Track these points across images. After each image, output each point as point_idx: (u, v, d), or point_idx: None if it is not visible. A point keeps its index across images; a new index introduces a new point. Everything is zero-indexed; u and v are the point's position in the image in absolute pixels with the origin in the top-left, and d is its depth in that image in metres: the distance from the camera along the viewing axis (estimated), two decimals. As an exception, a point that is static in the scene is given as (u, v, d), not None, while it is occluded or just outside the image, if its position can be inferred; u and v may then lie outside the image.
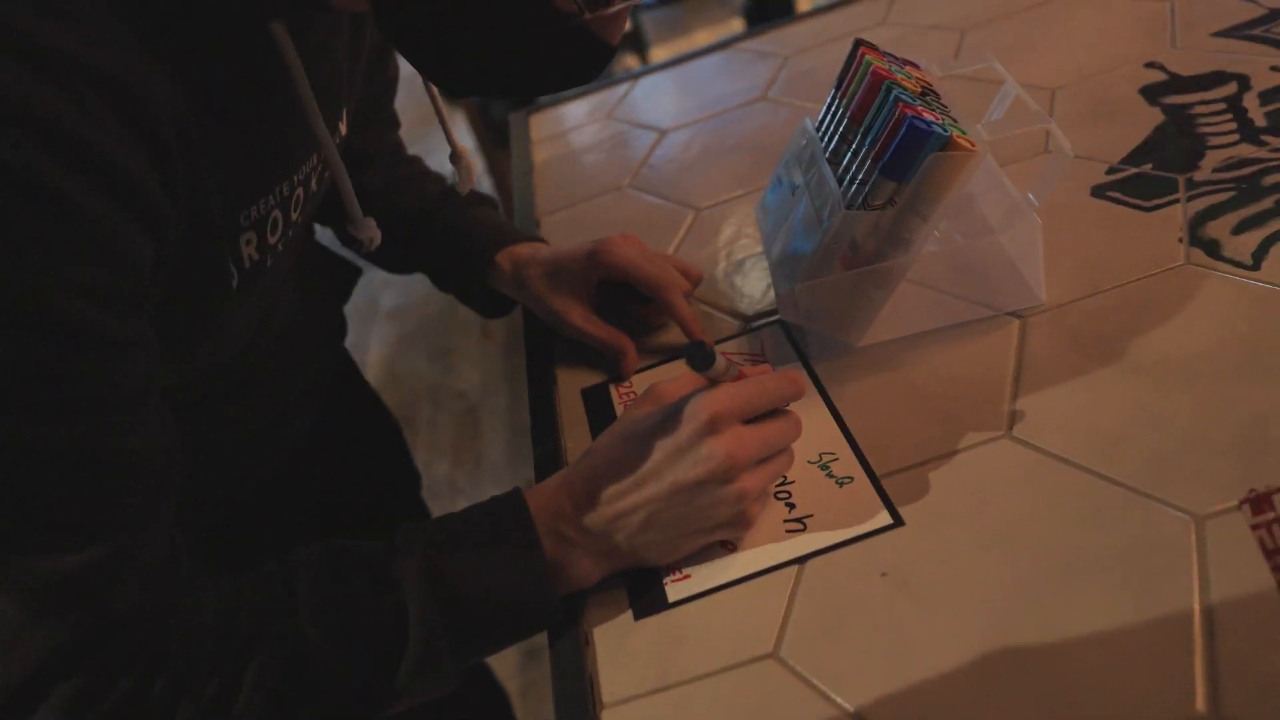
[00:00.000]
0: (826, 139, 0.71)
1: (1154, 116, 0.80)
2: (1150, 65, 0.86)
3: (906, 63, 0.72)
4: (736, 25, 3.48)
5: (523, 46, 0.49)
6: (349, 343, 0.92)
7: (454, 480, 2.21)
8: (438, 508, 2.17)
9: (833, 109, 0.72)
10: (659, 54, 3.49)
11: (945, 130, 0.60)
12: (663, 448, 0.53)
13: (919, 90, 0.66)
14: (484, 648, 0.53)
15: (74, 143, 0.40)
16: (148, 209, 0.43)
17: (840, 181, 0.66)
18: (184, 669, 0.48)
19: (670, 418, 0.54)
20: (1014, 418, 0.59)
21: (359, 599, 0.51)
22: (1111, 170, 0.76)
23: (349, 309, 0.91)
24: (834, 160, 0.69)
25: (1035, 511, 0.53)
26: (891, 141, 0.61)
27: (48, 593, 0.44)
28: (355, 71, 0.66)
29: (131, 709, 0.47)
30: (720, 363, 0.54)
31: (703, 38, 3.68)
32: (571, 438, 0.71)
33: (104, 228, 0.41)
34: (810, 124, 0.75)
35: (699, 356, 0.53)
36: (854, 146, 0.66)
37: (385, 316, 2.88)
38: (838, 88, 0.72)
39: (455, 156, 0.69)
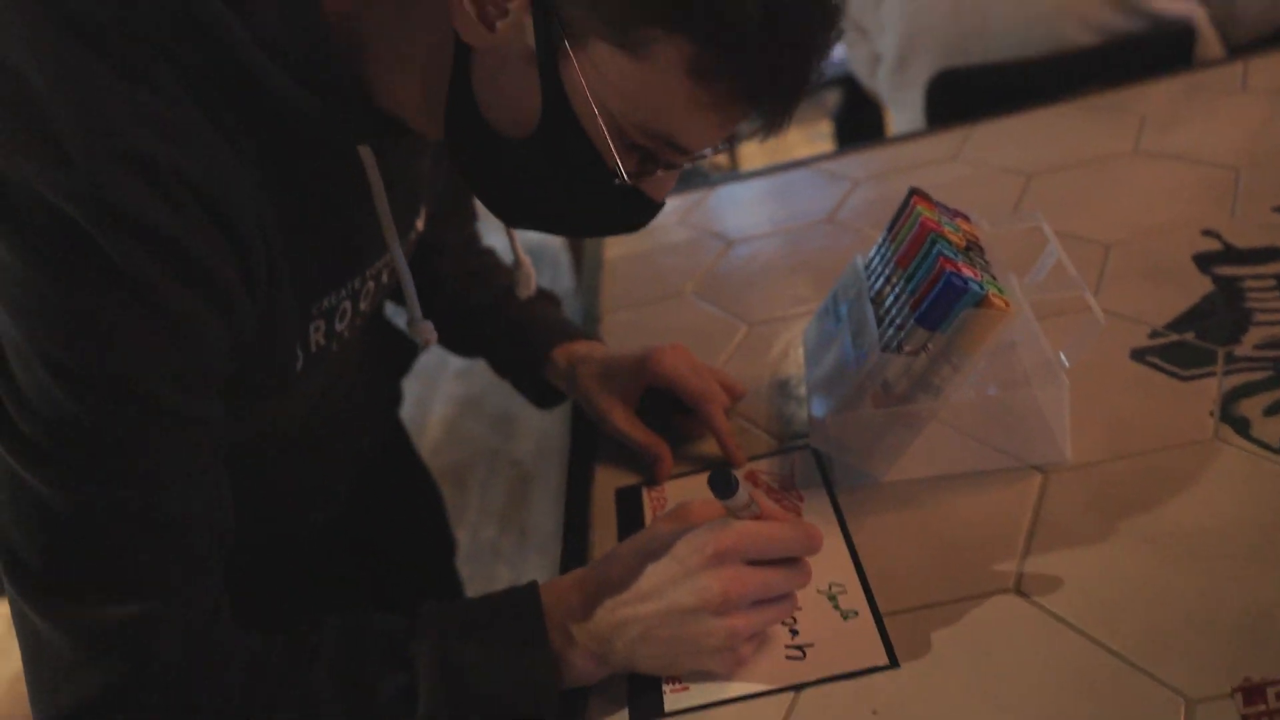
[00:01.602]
0: (873, 279, 0.75)
1: (1204, 285, 0.82)
2: (1207, 233, 0.88)
3: (957, 214, 0.75)
4: (825, 127, 3.56)
5: (575, 198, 0.55)
6: (411, 402, 0.97)
7: (499, 546, 2.25)
8: (478, 572, 2.20)
9: (882, 250, 0.76)
10: (749, 150, 3.57)
11: (981, 288, 0.63)
12: (669, 569, 0.56)
13: (964, 245, 0.70)
14: (483, 732, 0.56)
15: (172, 248, 0.47)
16: (229, 304, 0.50)
17: (880, 322, 0.70)
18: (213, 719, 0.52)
19: (684, 542, 0.57)
20: (1022, 573, 0.60)
21: (373, 674, 0.54)
22: (1154, 334, 0.77)
23: (416, 366, 0.97)
24: (877, 300, 0.72)
25: (1029, 670, 0.54)
26: (929, 293, 0.64)
27: (98, 638, 0.49)
28: (437, 175, 0.72)
29: None
30: (741, 496, 0.57)
31: (793, 137, 3.76)
32: (600, 535, 0.74)
33: (191, 322, 0.48)
34: (861, 261, 0.79)
35: (721, 485, 0.56)
36: (896, 291, 0.70)
37: (453, 376, 2.96)
38: (889, 230, 0.76)
39: (516, 264, 0.74)
